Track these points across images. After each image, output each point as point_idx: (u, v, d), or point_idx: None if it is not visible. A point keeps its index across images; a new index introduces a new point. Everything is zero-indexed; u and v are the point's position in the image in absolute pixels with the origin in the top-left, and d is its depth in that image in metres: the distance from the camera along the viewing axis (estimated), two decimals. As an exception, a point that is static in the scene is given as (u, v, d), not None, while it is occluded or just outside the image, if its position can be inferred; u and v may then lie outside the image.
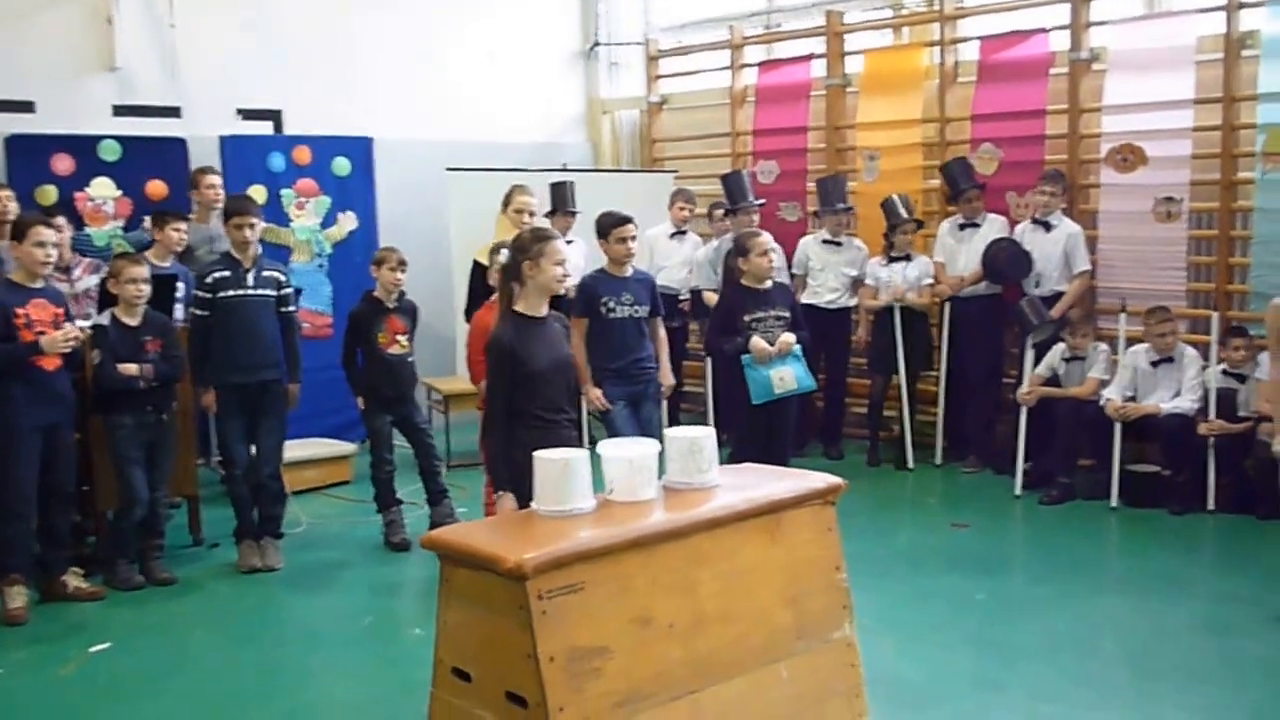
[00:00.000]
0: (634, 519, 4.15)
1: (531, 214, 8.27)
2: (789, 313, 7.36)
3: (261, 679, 5.74)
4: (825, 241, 9.71)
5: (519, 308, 5.18)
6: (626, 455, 4.34)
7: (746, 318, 7.21)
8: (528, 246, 5.15)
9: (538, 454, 4.28)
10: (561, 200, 9.68)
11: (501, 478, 5.03)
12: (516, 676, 3.80)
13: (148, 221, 8.96)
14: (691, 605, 4.12)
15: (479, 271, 8.18)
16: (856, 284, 9.71)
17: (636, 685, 3.94)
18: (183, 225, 8.40)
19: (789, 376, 7.21)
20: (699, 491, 4.45)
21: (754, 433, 7.23)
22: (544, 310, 5.22)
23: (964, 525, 7.93)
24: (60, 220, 7.88)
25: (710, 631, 4.16)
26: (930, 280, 9.27)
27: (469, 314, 8.22)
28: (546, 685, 3.71)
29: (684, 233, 10.35)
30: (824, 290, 9.56)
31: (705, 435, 4.55)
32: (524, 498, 4.62)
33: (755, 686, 4.28)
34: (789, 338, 7.20)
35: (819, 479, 4.67)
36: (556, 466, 4.20)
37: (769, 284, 7.33)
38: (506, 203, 8.33)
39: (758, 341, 7.14)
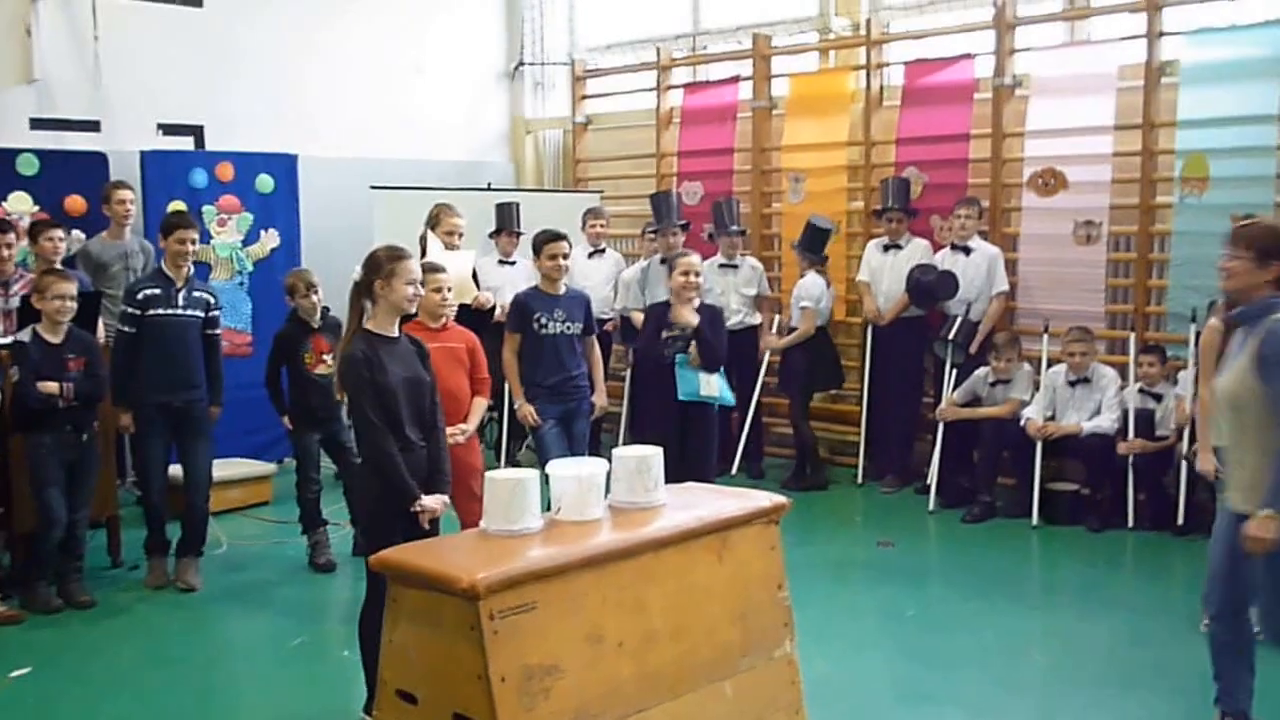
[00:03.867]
0: (585, 538, 4.14)
1: (461, 234, 8.18)
2: (709, 331, 7.35)
3: (188, 702, 5.67)
4: (721, 265, 9.78)
5: (370, 326, 5.12)
6: (576, 474, 4.33)
7: (665, 334, 7.27)
8: (381, 265, 5.09)
9: (490, 474, 4.25)
10: (507, 220, 9.74)
11: (409, 486, 5.00)
12: (466, 697, 3.77)
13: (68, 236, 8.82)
14: (642, 623, 4.11)
15: None
16: (758, 301, 9.85)
17: (586, 704, 3.92)
18: (58, 234, 8.22)
19: (714, 384, 7.30)
20: (647, 510, 4.45)
21: (664, 430, 7.19)
22: (395, 330, 5.17)
23: (889, 543, 8.00)
24: (10, 237, 7.74)
25: (660, 649, 4.15)
26: (805, 304, 9.38)
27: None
28: (498, 705, 3.68)
29: (602, 251, 10.34)
30: (727, 313, 9.61)
31: (654, 455, 4.56)
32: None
33: (701, 703, 4.29)
34: (693, 317, 7.19)
35: (764, 498, 4.70)
36: (508, 486, 4.18)
37: (695, 303, 7.37)
38: (435, 223, 8.18)
39: (693, 349, 7.20)
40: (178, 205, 9.51)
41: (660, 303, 7.56)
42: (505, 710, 3.70)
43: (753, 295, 9.77)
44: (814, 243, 9.43)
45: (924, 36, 9.80)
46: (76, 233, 8.98)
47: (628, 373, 10.08)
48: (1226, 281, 4.67)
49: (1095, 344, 8.41)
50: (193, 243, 7.24)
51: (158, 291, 7.11)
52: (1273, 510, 4.39)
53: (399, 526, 4.90)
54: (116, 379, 7.05)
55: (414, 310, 5.36)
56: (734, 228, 9.77)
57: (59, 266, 7.51)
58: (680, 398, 7.19)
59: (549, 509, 4.34)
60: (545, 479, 4.34)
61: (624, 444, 8.27)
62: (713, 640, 4.35)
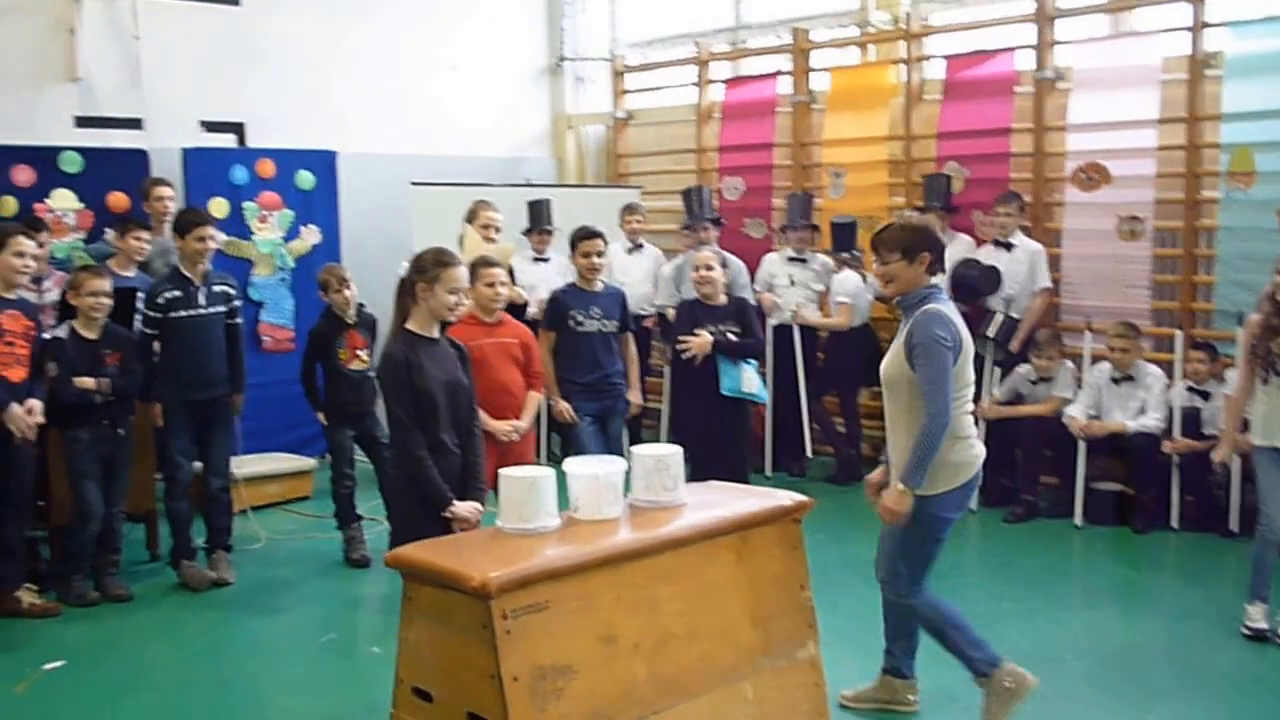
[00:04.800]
0: (600, 537, 4.12)
1: (498, 229, 8.23)
2: (739, 327, 7.35)
3: (219, 697, 5.66)
4: (790, 258, 9.70)
5: (412, 326, 5.07)
6: (592, 473, 4.30)
7: (698, 330, 7.24)
8: (426, 268, 5.03)
9: (504, 471, 4.23)
10: (538, 218, 9.71)
11: (441, 491, 4.97)
12: (479, 696, 3.76)
13: (109, 233, 8.87)
14: (657, 624, 4.09)
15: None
16: (823, 299, 9.73)
17: (600, 705, 3.90)
18: (145, 234, 8.29)
19: (754, 380, 7.29)
20: (665, 510, 4.42)
21: (704, 427, 7.22)
22: (436, 332, 5.12)
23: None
24: (44, 235, 7.79)
25: (675, 650, 4.12)
26: (842, 300, 9.30)
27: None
28: (510, 705, 3.67)
29: (640, 246, 10.30)
30: (790, 306, 9.55)
31: (672, 453, 4.52)
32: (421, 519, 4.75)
33: (719, 706, 4.25)
34: (706, 337, 7.19)
35: (785, 497, 4.66)
36: (523, 484, 4.16)
37: (723, 299, 7.35)
38: (472, 217, 8.26)
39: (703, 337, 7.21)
40: (219, 202, 9.61)
41: (691, 300, 7.57)
42: (518, 710, 3.69)
43: (820, 291, 9.67)
44: (842, 240, 9.36)
45: (964, 30, 9.69)
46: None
47: (667, 369, 10.01)
48: (889, 286, 4.97)
49: (1141, 341, 8.27)
50: (211, 239, 7.19)
51: (179, 293, 7.06)
52: (907, 487, 4.75)
53: (431, 530, 4.85)
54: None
55: (453, 319, 5.31)
56: (803, 222, 9.71)
57: (94, 263, 7.56)
58: (723, 392, 7.17)
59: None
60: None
61: (665, 441, 8.29)
62: (731, 641, 4.32)
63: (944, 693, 5.44)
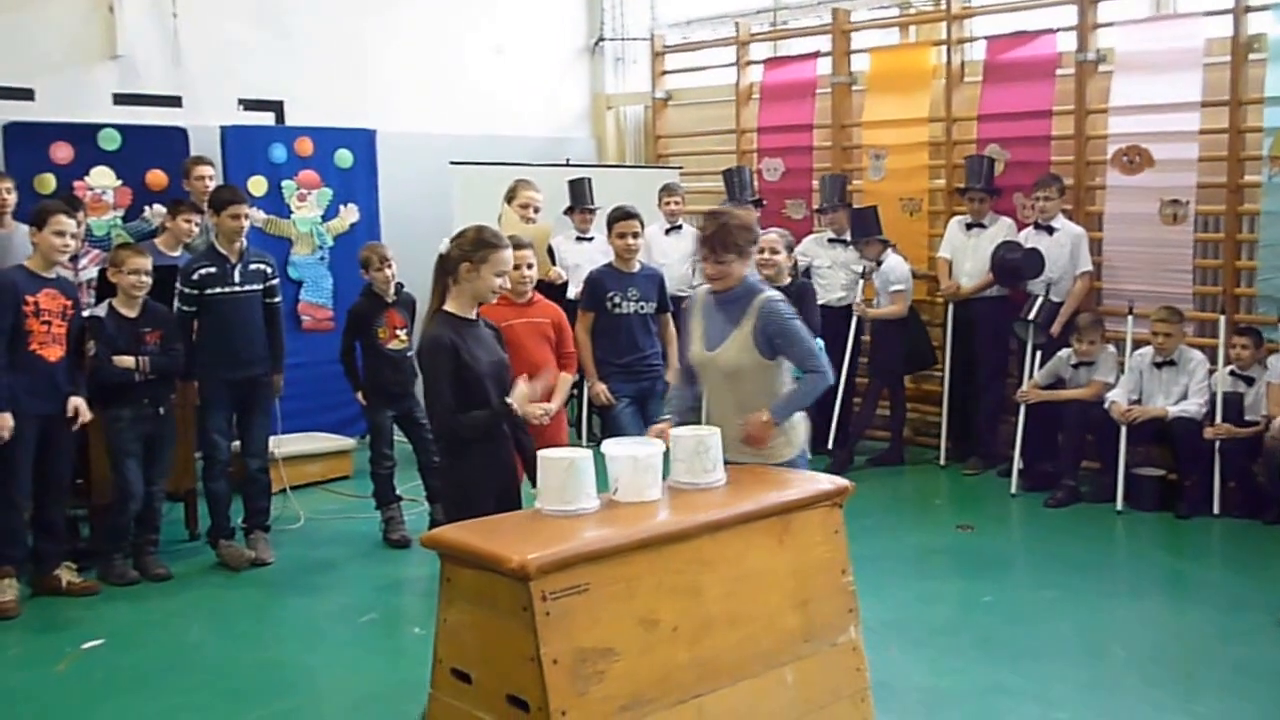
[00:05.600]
0: (640, 519, 4.09)
1: (537, 209, 8.19)
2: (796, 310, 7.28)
3: (258, 676, 5.68)
4: (831, 240, 9.64)
5: (450, 307, 4.90)
6: (632, 454, 4.28)
7: None
8: (472, 250, 4.85)
9: (542, 453, 4.20)
10: (579, 197, 9.69)
11: (493, 412, 4.86)
12: (518, 679, 3.74)
13: (148, 211, 8.90)
14: (697, 608, 4.06)
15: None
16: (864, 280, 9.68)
17: (641, 689, 3.88)
18: (196, 217, 8.32)
19: None
20: (705, 492, 4.40)
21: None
22: (474, 313, 4.97)
23: (969, 527, 7.87)
24: (81, 214, 7.82)
25: (716, 634, 4.10)
26: (899, 287, 9.22)
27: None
28: (549, 688, 3.65)
29: (679, 227, 10.24)
30: (834, 287, 9.46)
31: (711, 434, 4.49)
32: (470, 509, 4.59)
33: (761, 690, 4.23)
34: None
35: (827, 480, 4.62)
36: (561, 466, 4.13)
37: (786, 280, 7.26)
38: (511, 196, 8.23)
39: None
40: (258, 180, 9.63)
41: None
42: (557, 693, 3.67)
43: (860, 273, 9.60)
44: (867, 224, 9.30)
45: (1006, 11, 9.61)
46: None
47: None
48: (722, 282, 5.08)
49: (1184, 325, 8.18)
50: (246, 217, 7.19)
51: (214, 270, 7.06)
52: (775, 419, 4.94)
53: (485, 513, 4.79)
54: None
55: (494, 301, 5.27)
56: (838, 203, 9.65)
57: (133, 241, 7.58)
58: None
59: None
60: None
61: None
62: (772, 626, 4.29)
63: (999, 686, 5.42)
